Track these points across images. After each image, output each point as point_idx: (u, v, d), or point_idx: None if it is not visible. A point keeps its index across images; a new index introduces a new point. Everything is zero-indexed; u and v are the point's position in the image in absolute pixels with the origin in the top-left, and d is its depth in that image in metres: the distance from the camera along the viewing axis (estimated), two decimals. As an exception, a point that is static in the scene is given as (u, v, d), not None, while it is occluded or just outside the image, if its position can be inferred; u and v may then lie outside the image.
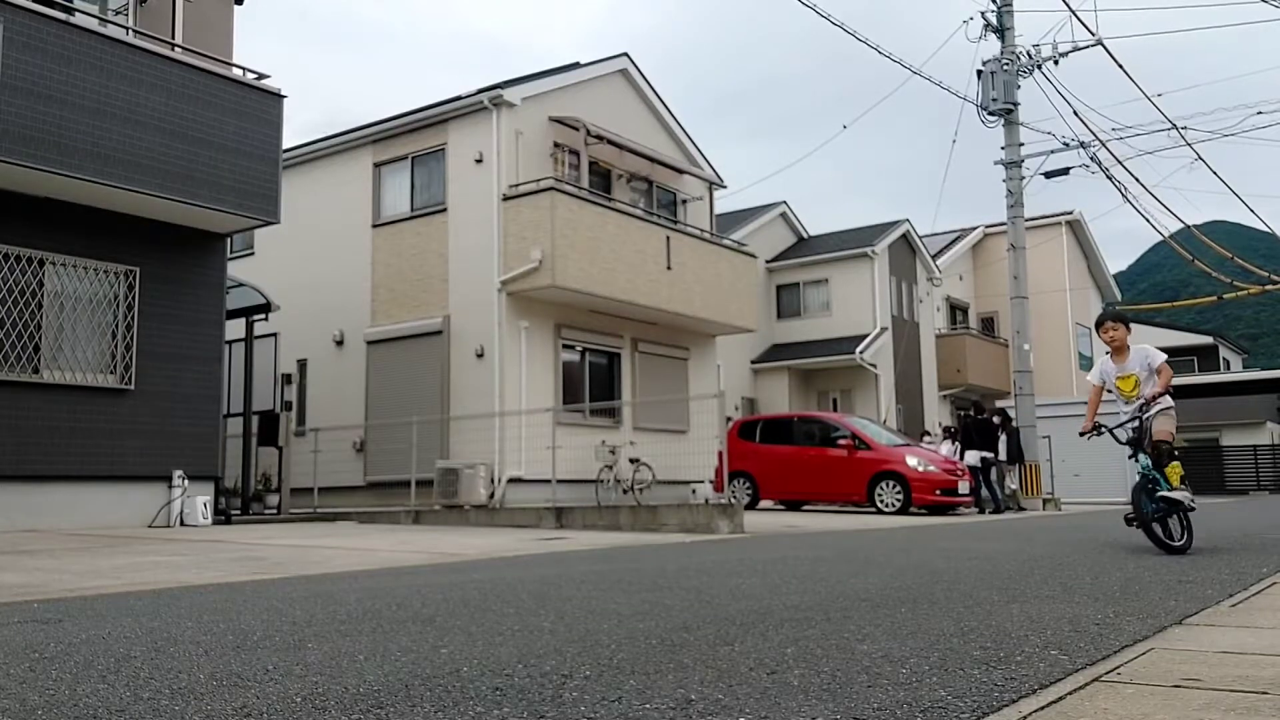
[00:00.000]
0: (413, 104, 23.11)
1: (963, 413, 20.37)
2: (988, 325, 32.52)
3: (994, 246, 31.16)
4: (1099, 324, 6.75)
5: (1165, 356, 6.53)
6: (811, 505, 17.64)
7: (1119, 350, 6.66)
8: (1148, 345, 6.72)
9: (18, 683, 2.56)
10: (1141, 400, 6.44)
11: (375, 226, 16.57)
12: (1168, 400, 6.45)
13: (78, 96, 9.81)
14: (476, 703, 2.26)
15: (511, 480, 14.31)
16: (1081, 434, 6.81)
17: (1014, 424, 18.57)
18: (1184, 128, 21.01)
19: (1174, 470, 6.24)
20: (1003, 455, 17.51)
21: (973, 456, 16.94)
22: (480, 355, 14.97)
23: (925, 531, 10.57)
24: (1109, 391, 6.79)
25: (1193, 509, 6.31)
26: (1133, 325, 6.71)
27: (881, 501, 15.79)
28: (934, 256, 29.30)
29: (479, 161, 15.40)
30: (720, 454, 12.52)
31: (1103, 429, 6.70)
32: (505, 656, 2.86)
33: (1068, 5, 20.55)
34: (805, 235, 28.67)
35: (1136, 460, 6.39)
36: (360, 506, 14.08)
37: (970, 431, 17.51)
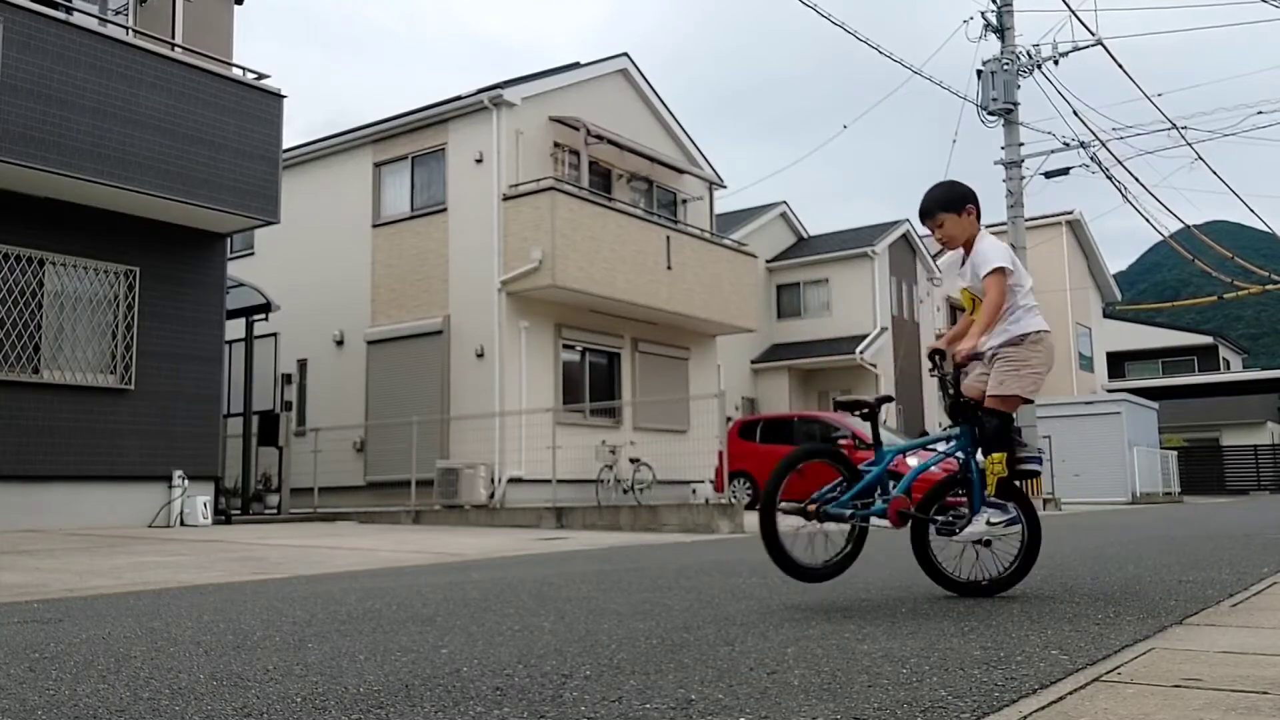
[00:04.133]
0: (413, 104, 23.13)
1: None
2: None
3: (994, 246, 31.13)
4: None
5: (998, 262, 3.96)
6: (812, 505, 17.60)
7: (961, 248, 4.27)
8: (992, 243, 4.14)
9: (18, 683, 2.56)
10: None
11: (375, 226, 16.57)
12: (1009, 349, 4.02)
13: (78, 96, 9.81)
14: (477, 703, 2.26)
15: (511, 480, 14.31)
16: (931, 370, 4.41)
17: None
18: (1184, 128, 21.02)
19: (994, 466, 3.93)
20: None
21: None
22: (480, 355, 14.97)
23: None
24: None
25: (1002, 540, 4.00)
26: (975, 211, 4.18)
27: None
28: (934, 256, 29.29)
29: (479, 161, 15.40)
30: (720, 454, 12.52)
31: (940, 364, 4.28)
32: (505, 656, 2.86)
33: (1068, 5, 20.55)
34: (805, 235, 28.66)
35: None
36: (360, 506, 14.09)
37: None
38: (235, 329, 12.95)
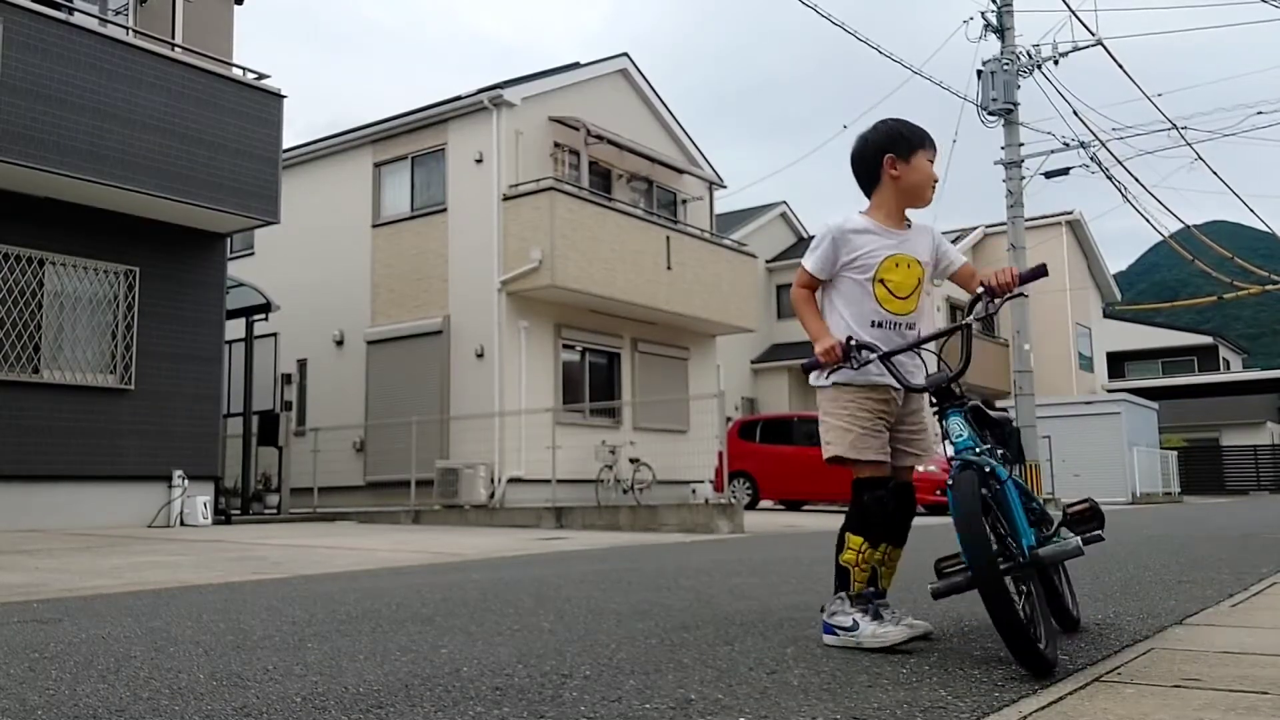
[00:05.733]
0: (413, 104, 23.11)
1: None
2: (988, 325, 32.52)
3: (994, 246, 31.12)
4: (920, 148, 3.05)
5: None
6: (811, 505, 17.63)
7: (896, 210, 3.08)
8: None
9: (18, 683, 2.56)
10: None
11: (375, 226, 16.57)
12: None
13: (77, 96, 9.81)
14: (476, 702, 2.26)
15: (511, 480, 14.31)
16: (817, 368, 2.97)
17: (1014, 424, 18.59)
18: (1184, 128, 21.01)
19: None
20: (1002, 455, 17.52)
21: None
22: (480, 355, 14.97)
23: (926, 532, 10.55)
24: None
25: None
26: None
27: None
28: (934, 256, 29.26)
29: (479, 161, 15.40)
30: (720, 454, 12.52)
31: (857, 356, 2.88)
32: (505, 656, 2.86)
33: (1068, 5, 20.55)
34: (805, 235, 28.67)
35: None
36: (360, 506, 14.09)
37: (984, 431, 17.47)
38: (235, 329, 12.95)
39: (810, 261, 3.06)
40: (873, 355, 2.86)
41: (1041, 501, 3.10)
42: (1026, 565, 2.59)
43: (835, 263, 3.03)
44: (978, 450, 2.73)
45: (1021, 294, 2.92)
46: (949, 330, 3.03)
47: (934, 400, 2.86)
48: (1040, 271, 2.82)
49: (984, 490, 2.63)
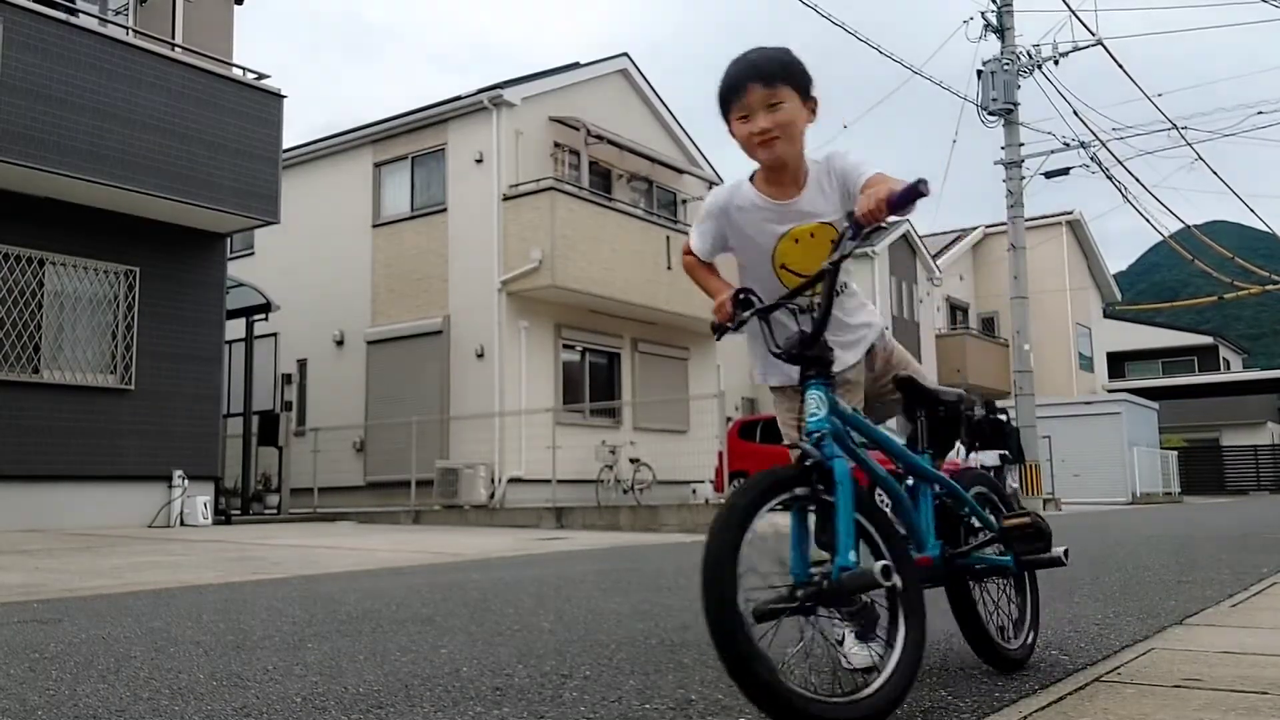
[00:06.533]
0: (413, 104, 23.11)
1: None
2: (988, 325, 32.53)
3: (994, 246, 31.14)
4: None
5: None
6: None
7: (777, 164, 2.46)
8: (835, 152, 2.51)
9: (18, 683, 2.56)
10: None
11: (375, 226, 16.57)
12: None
13: (78, 96, 9.81)
14: (476, 703, 2.26)
15: (511, 480, 14.31)
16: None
17: (1014, 423, 18.59)
18: (1184, 128, 21.03)
19: None
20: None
21: (990, 457, 16.89)
22: (480, 355, 14.97)
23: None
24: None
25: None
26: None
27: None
28: (934, 256, 29.29)
29: (479, 161, 15.40)
30: (720, 454, 12.53)
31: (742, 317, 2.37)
32: (505, 656, 2.86)
33: (1068, 5, 20.56)
34: (805, 235, 28.68)
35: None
36: (360, 506, 14.09)
37: (986, 431, 17.48)
38: (235, 329, 12.95)
39: (694, 238, 2.62)
40: (747, 313, 2.35)
41: (976, 506, 2.75)
42: (827, 593, 2.05)
43: (722, 245, 2.58)
44: (816, 435, 2.13)
45: (880, 226, 2.33)
46: (809, 281, 2.34)
47: (802, 369, 2.25)
48: (917, 190, 2.11)
49: (798, 490, 2.08)
